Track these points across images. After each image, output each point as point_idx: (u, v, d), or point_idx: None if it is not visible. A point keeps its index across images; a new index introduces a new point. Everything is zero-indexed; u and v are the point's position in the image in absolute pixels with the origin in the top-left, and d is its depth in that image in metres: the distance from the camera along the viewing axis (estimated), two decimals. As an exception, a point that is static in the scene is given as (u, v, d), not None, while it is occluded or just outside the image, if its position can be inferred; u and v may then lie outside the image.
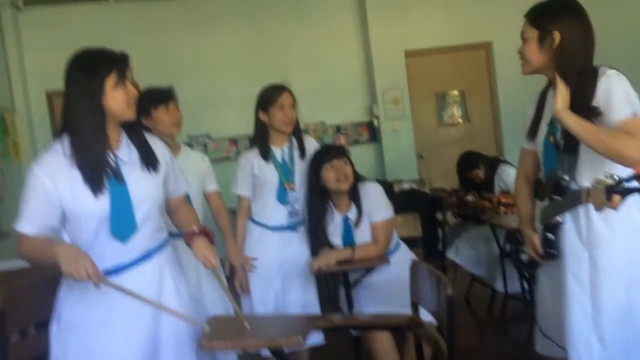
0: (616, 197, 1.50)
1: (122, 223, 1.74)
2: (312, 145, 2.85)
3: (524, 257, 2.06)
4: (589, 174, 1.75)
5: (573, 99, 1.75)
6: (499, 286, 3.81)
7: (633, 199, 1.68)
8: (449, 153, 5.94)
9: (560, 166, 1.79)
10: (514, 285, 3.68)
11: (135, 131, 1.83)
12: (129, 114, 1.75)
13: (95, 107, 1.69)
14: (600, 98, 1.74)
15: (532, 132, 1.95)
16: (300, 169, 2.74)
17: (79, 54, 1.75)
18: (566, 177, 1.77)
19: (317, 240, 2.66)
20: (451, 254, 3.95)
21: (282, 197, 2.71)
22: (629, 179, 1.51)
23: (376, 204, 2.67)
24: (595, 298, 1.77)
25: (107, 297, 1.73)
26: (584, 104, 1.74)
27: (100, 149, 1.72)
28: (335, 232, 2.68)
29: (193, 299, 1.96)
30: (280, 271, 2.67)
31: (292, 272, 2.63)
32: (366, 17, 6.25)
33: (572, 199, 1.73)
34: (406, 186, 4.68)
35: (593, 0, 2.02)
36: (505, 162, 4.10)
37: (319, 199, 2.67)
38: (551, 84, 1.90)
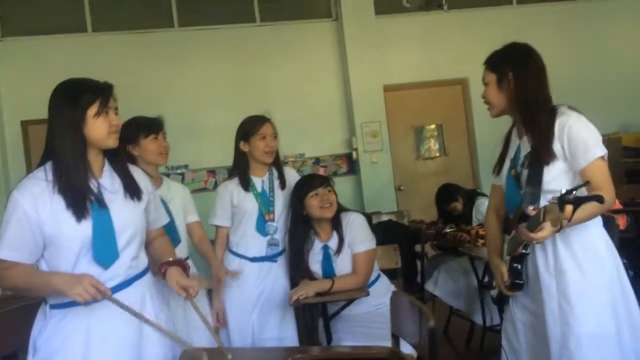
0: (568, 207, 1.61)
1: (104, 249, 1.74)
2: (292, 176, 2.85)
3: (492, 292, 2.11)
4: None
5: (538, 139, 1.90)
6: (478, 319, 3.80)
7: (595, 227, 1.89)
8: (427, 185, 5.99)
9: (525, 198, 1.88)
10: (493, 318, 3.68)
11: (118, 160, 1.85)
12: (111, 142, 1.78)
13: (77, 136, 1.72)
14: (562, 140, 1.88)
15: (498, 168, 2.09)
16: (280, 199, 2.74)
17: (63, 83, 1.78)
18: (531, 208, 1.82)
19: (298, 270, 2.64)
20: (430, 286, 3.94)
21: (261, 227, 2.70)
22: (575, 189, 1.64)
23: (359, 234, 2.67)
24: (565, 327, 1.84)
25: (86, 327, 1.71)
26: (548, 143, 1.88)
27: (82, 175, 1.73)
28: (314, 260, 2.67)
29: (174, 328, 1.94)
30: (258, 302, 2.63)
31: (271, 304, 2.59)
32: (345, 52, 6.34)
33: (532, 223, 1.78)
34: (385, 218, 4.69)
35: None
36: (483, 194, 4.15)
37: (301, 227, 2.67)
38: (514, 124, 2.05)
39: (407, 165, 6.63)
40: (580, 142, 1.86)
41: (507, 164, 2.05)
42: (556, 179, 1.89)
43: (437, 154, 6.75)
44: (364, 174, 6.29)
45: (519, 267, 1.93)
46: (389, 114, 6.40)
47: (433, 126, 6.75)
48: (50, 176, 1.72)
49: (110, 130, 1.76)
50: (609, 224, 2.79)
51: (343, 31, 6.35)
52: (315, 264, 2.67)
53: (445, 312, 4.22)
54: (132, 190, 1.83)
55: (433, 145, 6.78)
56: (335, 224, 2.69)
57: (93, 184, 1.76)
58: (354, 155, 6.34)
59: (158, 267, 1.91)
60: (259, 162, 2.72)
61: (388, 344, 1.98)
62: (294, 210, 2.70)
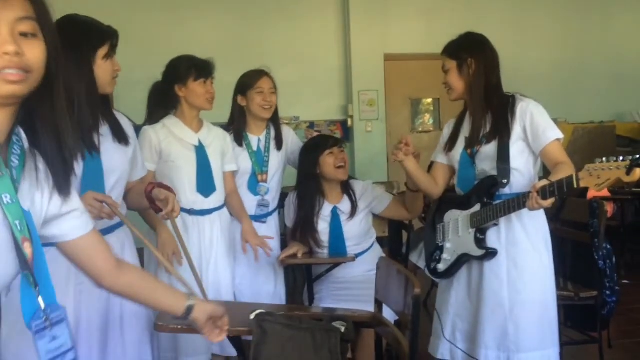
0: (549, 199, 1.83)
1: (92, 189, 1.71)
2: (290, 136, 2.81)
3: (440, 266, 2.24)
4: (520, 181, 2.09)
5: (497, 120, 2.09)
6: (459, 293, 3.84)
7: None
8: (420, 159, 5.98)
9: (499, 172, 2.08)
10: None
11: (106, 104, 1.83)
12: (110, 88, 1.78)
13: (91, 73, 1.70)
14: (524, 122, 2.07)
15: (451, 145, 2.25)
16: (275, 159, 2.70)
17: (72, 18, 1.74)
18: (504, 181, 2.07)
19: (304, 231, 2.62)
20: (414, 257, 3.96)
21: (253, 186, 2.67)
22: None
23: (380, 192, 2.76)
24: (513, 292, 2.06)
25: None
26: (506, 124, 2.08)
27: (95, 118, 1.72)
28: (322, 222, 2.65)
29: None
30: (245, 259, 2.61)
31: (257, 264, 2.57)
32: (348, 17, 6.24)
33: (513, 203, 1.98)
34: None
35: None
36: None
37: (312, 187, 2.64)
38: (467, 108, 2.22)
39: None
40: (541, 124, 2.06)
41: (460, 142, 2.21)
42: (516, 157, 2.09)
43: (432, 128, 6.73)
44: (357, 142, 6.27)
45: (484, 237, 2.12)
46: (387, 83, 6.34)
47: (430, 100, 6.72)
48: None
49: (113, 75, 1.76)
50: (597, 210, 2.83)
51: (348, -6, 6.23)
52: (322, 226, 2.64)
53: (427, 284, 4.26)
54: (120, 135, 1.83)
55: (428, 118, 6.76)
56: (346, 187, 2.68)
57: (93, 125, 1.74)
58: (349, 122, 6.30)
59: (144, 191, 1.86)
60: (256, 118, 2.68)
61: (371, 307, 2.00)
62: (304, 169, 2.66)
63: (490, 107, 2.12)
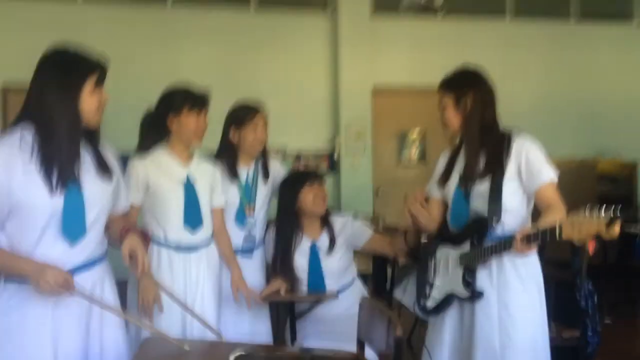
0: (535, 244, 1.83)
1: (73, 223, 1.70)
2: (277, 169, 2.81)
3: (428, 303, 2.20)
4: (511, 221, 2.05)
5: (491, 157, 2.06)
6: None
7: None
8: (404, 192, 6.00)
9: (490, 213, 2.04)
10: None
11: (93, 137, 1.81)
12: (95, 121, 1.76)
13: (75, 107, 1.68)
14: (519, 161, 2.03)
15: (444, 180, 2.21)
16: (262, 192, 2.70)
17: (60, 49, 1.73)
18: (495, 222, 2.04)
19: (281, 266, 2.60)
20: (398, 294, 3.94)
21: (241, 220, 2.65)
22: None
23: (360, 226, 2.72)
24: (504, 336, 2.02)
25: (51, 304, 1.68)
26: (500, 162, 2.04)
27: (77, 148, 1.70)
28: (300, 258, 2.64)
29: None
30: (231, 296, 2.57)
31: (243, 299, 2.53)
32: (338, 50, 6.33)
33: (499, 246, 1.95)
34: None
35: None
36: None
37: (290, 222, 2.63)
38: (463, 142, 2.18)
39: (387, 170, 6.65)
40: (536, 164, 2.03)
41: (454, 178, 2.17)
42: (509, 196, 2.05)
43: (418, 161, 6.78)
44: (344, 174, 6.29)
45: (471, 279, 2.07)
46: (375, 116, 6.40)
47: (416, 133, 6.78)
48: (27, 138, 1.66)
49: (99, 107, 1.74)
50: (579, 249, 2.85)
51: (337, 27, 6.33)
52: (299, 261, 2.64)
53: (411, 321, 4.23)
54: (104, 169, 1.81)
55: (414, 152, 6.81)
56: (325, 222, 2.67)
57: (74, 157, 1.72)
58: (336, 154, 6.33)
59: (118, 236, 1.86)
60: (247, 153, 2.68)
61: (353, 347, 1.98)
62: (284, 203, 2.66)
63: (485, 144, 2.08)
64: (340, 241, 2.66)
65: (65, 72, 1.68)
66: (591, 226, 1.68)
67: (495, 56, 6.71)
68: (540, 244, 1.87)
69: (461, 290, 2.08)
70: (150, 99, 2.57)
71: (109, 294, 1.85)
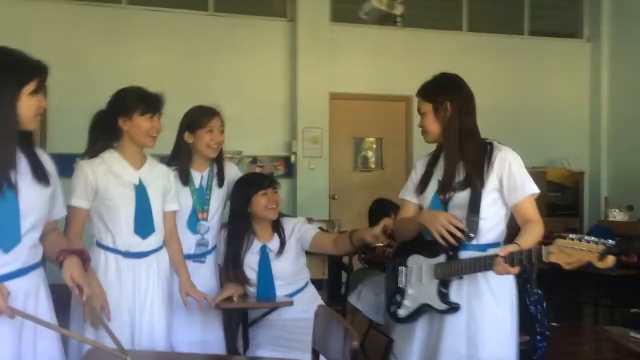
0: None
1: (7, 232, 1.65)
2: (233, 172, 2.77)
3: (400, 312, 2.16)
4: (488, 233, 2.04)
5: (472, 167, 2.02)
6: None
7: None
8: (361, 197, 6.04)
9: (467, 224, 2.01)
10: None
11: (28, 140, 1.75)
12: (34, 125, 1.70)
13: (12, 110, 1.63)
14: (501, 174, 2.02)
15: (422, 187, 2.17)
16: (216, 197, 2.65)
17: (0, 50, 1.68)
18: (472, 235, 2.01)
19: (233, 268, 2.58)
20: (353, 299, 3.94)
21: (193, 225, 2.60)
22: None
23: (309, 228, 2.71)
24: (472, 348, 1.99)
25: None
26: (481, 173, 2.02)
27: (11, 152, 1.64)
28: (250, 260, 2.61)
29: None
30: (179, 306, 2.50)
31: (194, 305, 2.47)
32: (296, 55, 6.32)
33: (479, 263, 1.92)
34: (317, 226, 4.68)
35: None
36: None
37: (242, 225, 2.61)
38: (442, 149, 2.15)
39: (344, 175, 6.67)
40: (518, 177, 2.02)
41: (433, 186, 2.13)
42: (487, 208, 2.03)
43: (374, 167, 6.84)
44: (300, 179, 6.28)
45: (446, 291, 2.04)
46: (332, 121, 6.42)
47: (373, 139, 6.84)
48: None
49: (37, 112, 1.69)
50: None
51: (296, 33, 6.33)
52: (249, 264, 2.61)
53: (364, 326, 4.24)
54: (40, 174, 1.74)
55: (371, 157, 6.86)
56: (276, 226, 2.67)
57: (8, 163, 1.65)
58: (293, 158, 6.31)
59: (55, 257, 1.80)
60: (201, 156, 2.62)
61: (307, 356, 1.95)
62: (236, 206, 2.63)
63: (465, 153, 2.05)
64: (290, 244, 2.66)
65: (4, 74, 1.63)
66: (583, 255, 1.68)
67: (450, 66, 6.78)
68: (526, 266, 1.85)
69: (437, 303, 2.04)
70: (101, 99, 2.48)
71: (44, 303, 1.78)
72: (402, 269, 2.18)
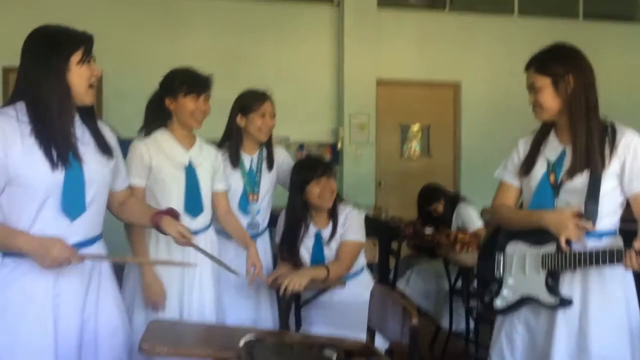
0: None
1: (73, 200, 1.69)
2: (283, 156, 2.78)
3: (497, 302, 2.00)
4: (603, 219, 1.84)
5: (593, 148, 1.83)
6: (445, 323, 3.80)
7: None
8: (407, 184, 5.98)
9: (587, 213, 1.82)
10: (459, 323, 3.69)
11: (90, 115, 1.80)
12: (88, 98, 1.73)
13: (62, 82, 1.66)
14: (625, 158, 1.83)
15: (528, 168, 1.98)
16: (266, 180, 2.67)
17: (43, 28, 1.71)
18: (593, 227, 1.82)
19: (287, 252, 2.60)
20: (401, 285, 3.93)
21: (244, 207, 2.63)
22: None
23: (353, 225, 2.64)
24: (582, 343, 1.83)
25: (52, 279, 1.67)
26: (603, 155, 1.83)
27: (69, 123, 1.68)
28: (305, 245, 2.64)
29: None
30: (234, 282, 2.53)
31: (247, 286, 2.50)
32: (343, 41, 6.28)
33: (603, 257, 1.74)
34: (365, 212, 4.67)
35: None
36: (465, 199, 4.14)
37: (299, 210, 2.62)
38: (551, 126, 1.96)
39: (390, 162, 6.61)
40: None
41: (542, 166, 1.95)
42: (605, 195, 1.85)
43: (421, 154, 6.76)
44: (346, 165, 6.25)
45: (555, 284, 1.87)
46: (378, 108, 6.37)
47: (420, 126, 6.76)
48: (23, 117, 1.65)
49: (89, 81, 1.71)
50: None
51: (343, 18, 6.28)
52: (304, 248, 2.64)
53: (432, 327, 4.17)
54: (103, 147, 1.79)
55: (418, 145, 6.78)
56: (333, 213, 2.66)
57: (70, 133, 1.70)
58: (339, 145, 6.30)
59: (149, 220, 1.90)
60: (252, 139, 2.65)
61: (362, 335, 1.95)
62: (292, 193, 2.65)
63: (591, 131, 1.85)
64: (339, 231, 2.64)
65: (49, 48, 1.66)
66: None
67: (501, 52, 6.67)
68: None
69: (545, 296, 1.88)
70: (154, 84, 2.52)
71: (106, 273, 1.84)
72: (500, 256, 2.01)
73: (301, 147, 6.32)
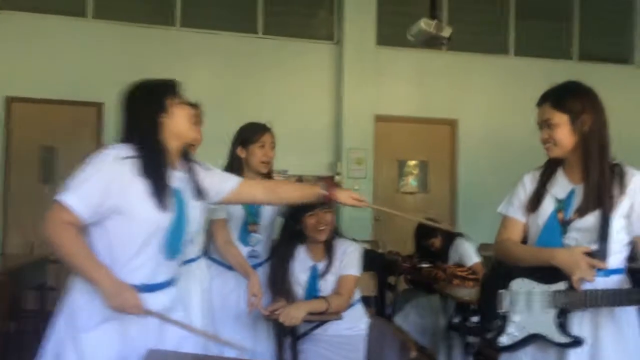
0: None
1: (173, 242, 1.77)
2: None
3: (503, 339, 1.96)
4: (611, 257, 1.84)
5: (606, 188, 1.84)
6: (442, 358, 3.77)
7: None
8: (404, 220, 5.97)
9: (599, 252, 1.82)
10: (456, 359, 3.66)
11: (188, 158, 1.90)
12: (192, 133, 1.85)
13: (159, 125, 1.77)
14: (635, 199, 1.84)
15: (535, 205, 1.97)
16: (267, 211, 2.68)
17: (139, 82, 1.88)
18: (604, 265, 1.82)
19: (279, 284, 2.58)
20: (399, 319, 3.91)
21: (243, 237, 2.63)
22: None
23: (352, 260, 2.63)
24: None
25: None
26: (611, 195, 1.83)
27: (168, 167, 1.79)
28: (299, 278, 2.62)
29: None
30: (233, 313, 2.53)
31: (245, 317, 2.49)
32: (342, 77, 6.39)
33: (621, 297, 1.76)
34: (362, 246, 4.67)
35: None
36: (462, 235, 4.15)
37: (291, 242, 2.62)
38: (558, 163, 1.97)
39: (387, 197, 6.64)
40: None
41: (550, 203, 1.94)
42: (614, 234, 1.86)
43: (418, 190, 6.79)
44: (344, 199, 6.28)
45: (565, 321, 1.86)
46: (376, 143, 6.43)
47: (417, 161, 6.81)
48: (134, 160, 1.74)
49: (190, 119, 1.83)
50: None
51: (342, 56, 6.41)
52: (299, 280, 2.62)
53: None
54: (199, 190, 1.88)
55: (414, 180, 6.83)
56: (329, 247, 2.65)
57: (173, 176, 1.80)
58: (337, 179, 6.33)
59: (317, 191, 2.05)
60: (253, 171, 2.68)
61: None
62: (287, 223, 2.65)
63: (603, 171, 1.85)
64: (335, 265, 2.63)
65: (148, 97, 1.82)
66: None
67: (497, 90, 6.79)
68: None
69: (555, 335, 1.86)
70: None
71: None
72: (504, 292, 1.96)
73: (299, 180, 6.36)
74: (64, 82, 5.65)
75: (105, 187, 1.67)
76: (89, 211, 1.67)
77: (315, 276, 2.62)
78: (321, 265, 2.63)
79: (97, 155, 1.73)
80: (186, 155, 1.89)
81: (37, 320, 4.45)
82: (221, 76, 6.19)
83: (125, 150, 1.74)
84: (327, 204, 2.65)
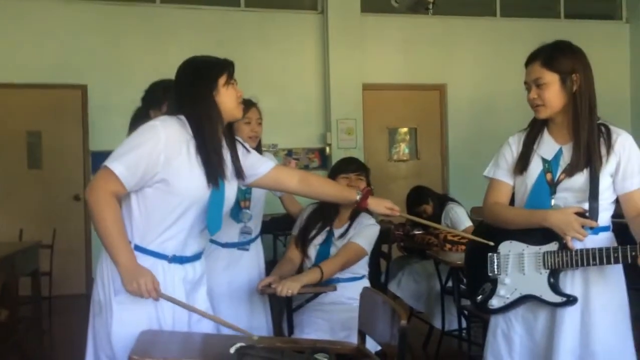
0: None
1: (215, 217, 1.81)
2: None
3: (493, 302, 1.98)
4: (602, 216, 1.87)
5: (595, 147, 1.84)
6: (437, 323, 3.83)
7: None
8: (396, 187, 6.03)
9: (590, 211, 1.84)
10: (452, 323, 3.71)
11: (230, 132, 1.93)
12: (238, 113, 1.89)
13: (212, 100, 1.81)
14: (620, 158, 1.85)
15: (523, 166, 1.96)
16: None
17: (191, 60, 1.91)
18: (597, 225, 1.84)
19: (300, 242, 2.66)
20: (393, 287, 3.95)
21: (235, 214, 2.63)
22: None
23: (365, 233, 2.64)
24: (584, 337, 1.83)
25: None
26: (599, 154, 1.85)
27: (219, 141, 1.83)
28: (318, 239, 2.67)
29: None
30: (226, 291, 2.55)
31: (240, 293, 2.51)
32: (328, 47, 6.33)
33: (613, 255, 1.75)
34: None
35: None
36: (453, 200, 4.17)
37: (327, 207, 2.64)
38: (543, 124, 1.96)
39: (379, 165, 6.64)
40: (636, 165, 1.86)
41: (537, 165, 1.93)
42: (602, 192, 1.86)
43: (409, 157, 6.80)
44: (335, 170, 6.28)
45: (557, 281, 1.87)
46: (365, 112, 6.41)
47: (407, 129, 6.80)
48: (188, 129, 1.77)
49: (237, 100, 1.86)
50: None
51: (327, 25, 6.33)
52: (316, 241, 2.67)
53: (406, 312, 4.22)
54: (238, 169, 1.90)
55: (405, 147, 6.83)
56: (353, 216, 2.67)
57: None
58: (327, 150, 6.33)
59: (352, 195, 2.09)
60: None
61: (353, 339, 1.96)
62: None
63: (591, 130, 1.86)
64: (351, 233, 2.65)
65: (199, 74, 1.84)
66: None
67: (485, 52, 6.74)
68: None
69: (549, 295, 1.86)
70: (138, 96, 2.55)
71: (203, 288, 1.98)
72: (493, 256, 1.97)
73: (289, 153, 6.35)
74: (46, 66, 5.57)
75: (152, 158, 1.70)
76: (135, 180, 1.70)
77: (330, 240, 2.65)
78: (338, 230, 2.65)
79: (147, 126, 1.75)
80: (230, 133, 1.91)
81: (33, 306, 4.49)
82: (204, 52, 5.99)
83: (174, 123, 1.76)
84: (361, 169, 2.67)
